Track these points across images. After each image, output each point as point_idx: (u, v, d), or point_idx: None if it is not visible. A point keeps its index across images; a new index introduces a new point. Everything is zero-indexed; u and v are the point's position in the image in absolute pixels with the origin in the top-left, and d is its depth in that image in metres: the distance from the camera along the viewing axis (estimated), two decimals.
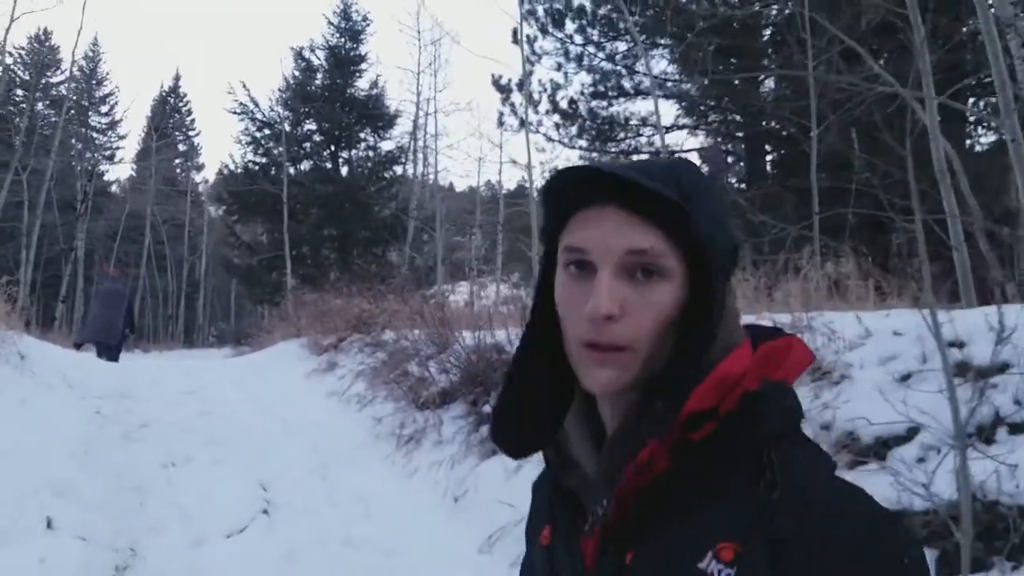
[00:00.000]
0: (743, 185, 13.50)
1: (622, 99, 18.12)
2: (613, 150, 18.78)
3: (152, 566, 3.72)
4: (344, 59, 23.89)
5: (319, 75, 24.26)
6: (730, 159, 15.57)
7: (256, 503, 4.66)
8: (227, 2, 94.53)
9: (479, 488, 4.53)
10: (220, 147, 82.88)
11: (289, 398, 7.52)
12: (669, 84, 17.29)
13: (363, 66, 24.31)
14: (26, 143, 21.81)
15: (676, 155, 13.55)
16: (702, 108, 11.06)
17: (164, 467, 5.34)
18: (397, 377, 6.90)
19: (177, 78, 48.02)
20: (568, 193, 0.69)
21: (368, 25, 24.56)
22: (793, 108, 8.74)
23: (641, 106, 17.79)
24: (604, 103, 18.01)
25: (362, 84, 24.25)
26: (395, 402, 6.58)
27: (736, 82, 9.72)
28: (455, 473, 5.04)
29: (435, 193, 25.32)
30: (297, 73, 23.96)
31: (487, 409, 5.52)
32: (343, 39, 24.23)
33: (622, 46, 17.57)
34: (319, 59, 24.24)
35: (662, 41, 17.10)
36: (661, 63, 19.90)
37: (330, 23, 24.27)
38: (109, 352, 10.17)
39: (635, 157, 17.13)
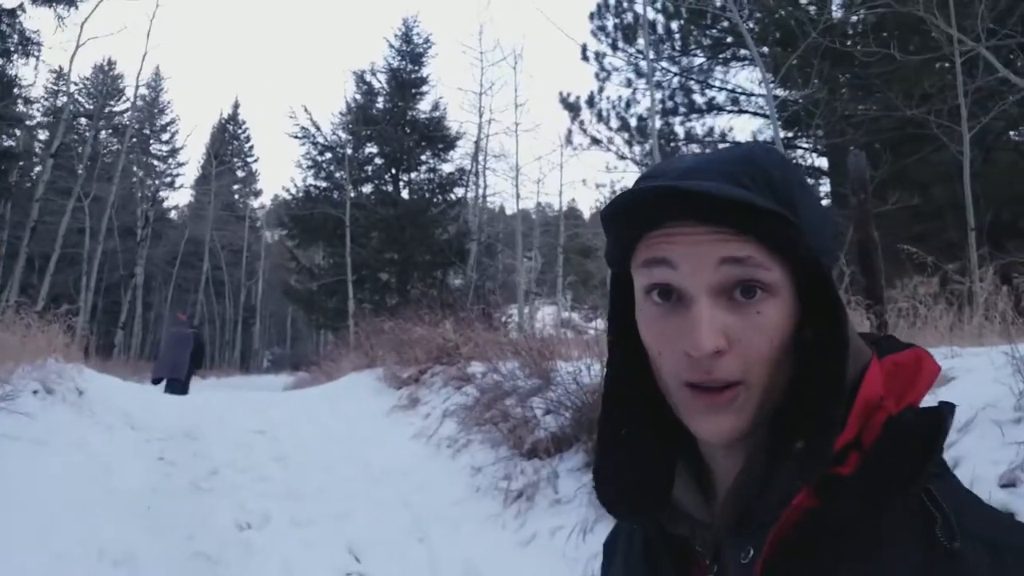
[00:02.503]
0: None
1: (694, 115, 17.29)
2: None
3: None
4: (405, 82, 23.60)
5: (380, 98, 24.02)
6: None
7: None
8: (287, 29, 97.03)
9: None
10: (277, 173, 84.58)
11: (370, 439, 6.67)
12: (753, 97, 16.31)
13: (424, 88, 24.00)
14: (88, 171, 21.93)
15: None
16: (811, 116, 10.07)
17: (240, 528, 4.54)
18: (494, 417, 6.00)
19: (236, 106, 48.90)
20: (635, 215, 0.58)
21: (430, 47, 24.30)
22: (933, 110, 7.69)
23: (717, 121, 16.93)
24: (678, 119, 17.17)
25: (423, 106, 23.97)
26: (494, 448, 5.66)
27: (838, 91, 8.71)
28: (588, 546, 4.07)
29: (497, 214, 24.66)
30: (359, 96, 23.73)
31: None
32: (404, 62, 23.99)
33: (696, 60, 16.77)
34: (380, 82, 24.03)
35: (742, 52, 16.21)
36: (739, 76, 19.07)
37: (391, 46, 24.07)
38: (177, 386, 11.18)
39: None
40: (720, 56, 16.26)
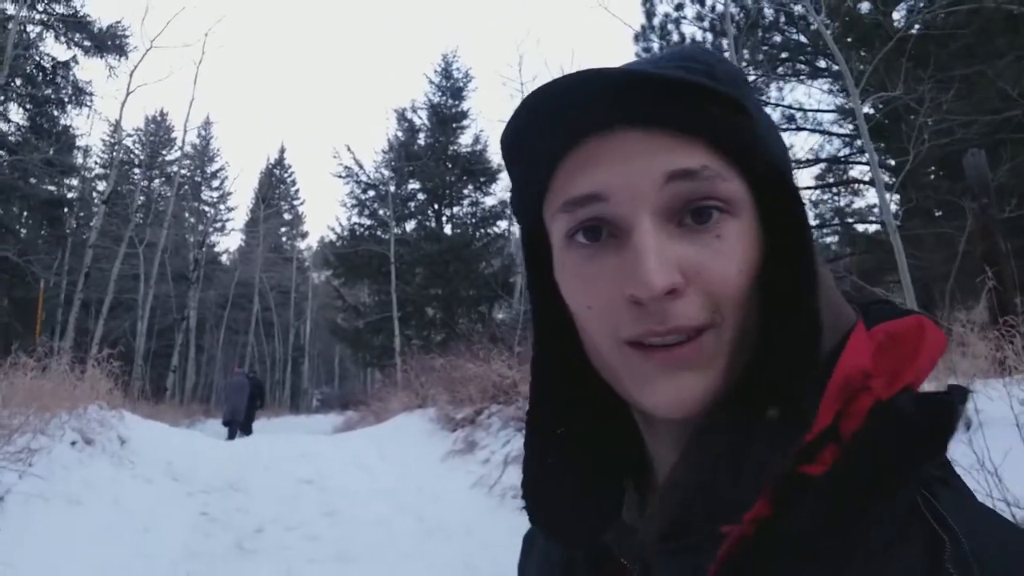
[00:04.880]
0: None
1: None
2: None
3: None
4: (446, 117, 23.59)
5: (421, 134, 24.04)
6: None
7: None
8: (329, 72, 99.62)
9: None
10: (322, 215, 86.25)
11: (425, 489, 6.15)
12: (810, 113, 15.68)
13: (465, 122, 23.94)
14: (143, 218, 22.28)
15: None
16: (897, 122, 9.47)
17: None
18: None
19: (282, 151, 50.27)
20: (547, 125, 0.43)
21: (469, 81, 24.29)
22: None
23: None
24: None
25: (464, 140, 23.90)
26: None
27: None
28: None
29: None
30: (400, 134, 23.78)
31: None
32: (445, 97, 24.01)
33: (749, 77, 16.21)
34: (421, 118, 24.07)
35: (799, 67, 15.61)
36: (795, 92, 18.40)
37: (431, 82, 24.14)
38: (241, 427, 12.74)
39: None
40: (774, 72, 15.69)
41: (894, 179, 11.62)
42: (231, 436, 12.86)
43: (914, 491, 0.39)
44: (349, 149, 32.49)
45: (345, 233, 23.34)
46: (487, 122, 47.95)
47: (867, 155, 15.51)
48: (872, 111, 10.33)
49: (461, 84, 24.22)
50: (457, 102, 24.07)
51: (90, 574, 3.92)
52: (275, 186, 41.68)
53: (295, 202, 43.30)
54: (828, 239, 18.05)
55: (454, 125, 23.72)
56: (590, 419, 0.50)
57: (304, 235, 44.55)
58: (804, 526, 0.39)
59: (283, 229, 41.76)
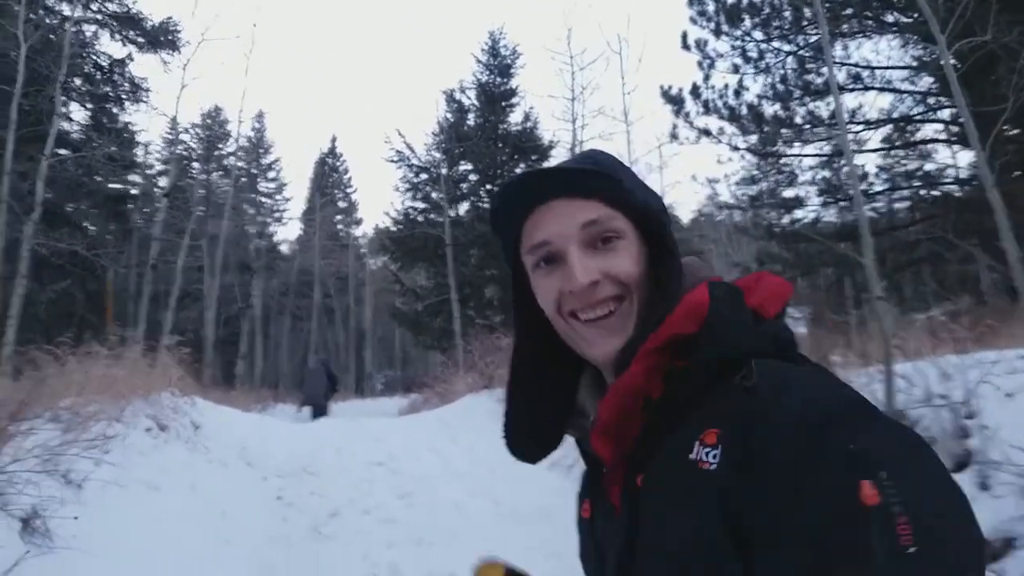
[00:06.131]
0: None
1: (808, 98, 15.90)
2: (808, 152, 16.53)
3: None
4: (495, 95, 23.23)
5: (471, 114, 23.75)
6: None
7: None
8: (377, 57, 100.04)
9: None
10: (375, 202, 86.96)
11: (498, 472, 5.98)
12: (878, 71, 14.82)
13: (514, 100, 23.50)
14: (203, 211, 22.77)
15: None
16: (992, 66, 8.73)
17: None
18: None
19: (334, 140, 50.79)
20: (514, 209, 0.78)
21: (517, 58, 23.82)
22: None
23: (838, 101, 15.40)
24: (796, 102, 15.83)
25: (514, 118, 23.43)
26: None
27: None
28: None
29: None
30: (449, 115, 23.53)
31: None
32: (493, 75, 23.63)
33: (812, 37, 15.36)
34: (470, 98, 23.74)
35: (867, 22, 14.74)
36: (862, 49, 17.36)
37: (479, 61, 23.78)
38: (320, 411, 13.54)
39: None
40: (840, 29, 14.84)
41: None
42: (314, 417, 13.65)
43: (747, 361, 0.64)
44: (400, 133, 32.46)
45: (400, 217, 23.31)
46: (536, 98, 47.39)
47: (944, 112, 14.57)
48: (955, 62, 9.59)
49: (509, 61, 23.77)
50: (505, 80, 23.65)
51: (172, 559, 3.88)
52: (328, 175, 42.12)
53: (348, 190, 43.73)
54: (898, 204, 17.06)
55: (503, 103, 23.34)
56: (541, 385, 0.82)
57: (359, 222, 44.96)
58: (678, 392, 0.66)
59: (338, 217, 42.20)
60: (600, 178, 0.73)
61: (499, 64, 23.98)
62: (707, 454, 0.60)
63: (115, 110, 16.21)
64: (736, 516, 0.56)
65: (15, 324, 10.07)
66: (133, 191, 21.50)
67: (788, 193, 16.70)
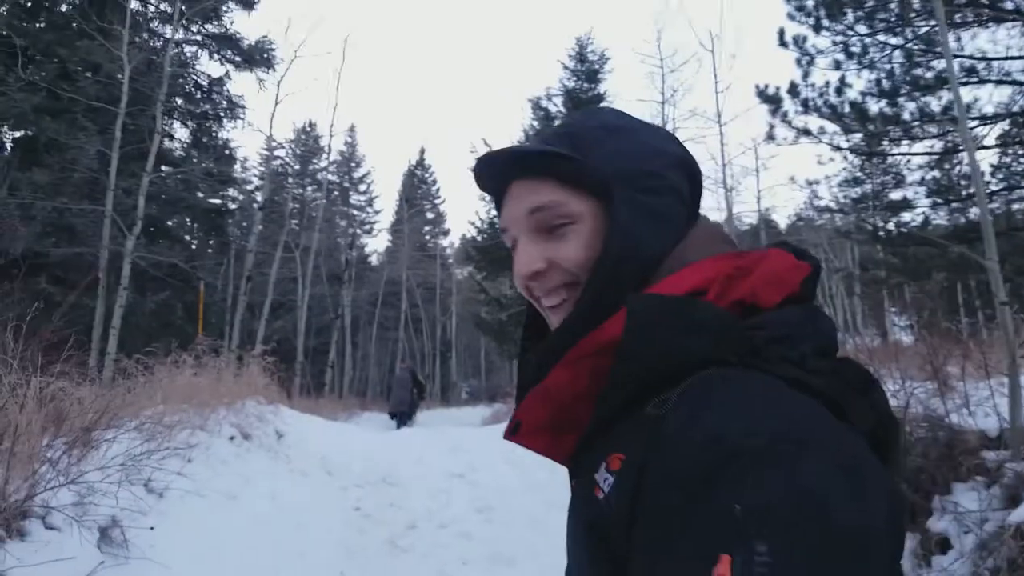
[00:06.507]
0: None
1: (916, 92, 14.83)
2: (917, 150, 15.44)
3: None
4: (582, 101, 22.94)
5: (557, 122, 23.58)
6: None
7: None
8: (464, 66, 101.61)
9: None
10: (460, 213, 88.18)
11: None
12: (996, 62, 13.68)
13: (601, 105, 23.22)
14: (297, 224, 23.57)
15: None
16: None
17: None
18: None
19: (422, 152, 51.69)
20: (487, 190, 0.78)
21: (605, 63, 23.51)
22: None
23: (950, 96, 14.31)
24: (903, 99, 14.82)
25: None
26: None
27: None
28: None
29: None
30: (536, 123, 23.44)
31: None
32: (580, 81, 23.40)
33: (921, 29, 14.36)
34: (556, 105, 23.55)
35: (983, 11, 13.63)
36: (978, 39, 16.15)
37: (566, 67, 23.60)
38: (405, 418, 13.84)
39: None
40: (952, 19, 13.79)
41: None
42: (399, 426, 13.93)
43: (685, 371, 0.56)
44: (486, 143, 32.72)
45: (484, 227, 23.39)
46: (625, 103, 46.75)
47: None
48: None
49: (596, 67, 23.49)
50: (593, 85, 23.37)
51: (246, 571, 3.82)
52: (417, 187, 42.90)
53: (436, 201, 44.41)
54: (1016, 205, 15.68)
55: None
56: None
57: (446, 232, 45.56)
58: (607, 398, 0.61)
59: (426, 228, 42.92)
60: (551, 157, 0.68)
61: (586, 70, 23.75)
62: (604, 481, 0.57)
63: (214, 127, 16.94)
64: (614, 558, 0.53)
65: (116, 334, 10.58)
66: (231, 205, 22.49)
67: (895, 195, 15.67)
